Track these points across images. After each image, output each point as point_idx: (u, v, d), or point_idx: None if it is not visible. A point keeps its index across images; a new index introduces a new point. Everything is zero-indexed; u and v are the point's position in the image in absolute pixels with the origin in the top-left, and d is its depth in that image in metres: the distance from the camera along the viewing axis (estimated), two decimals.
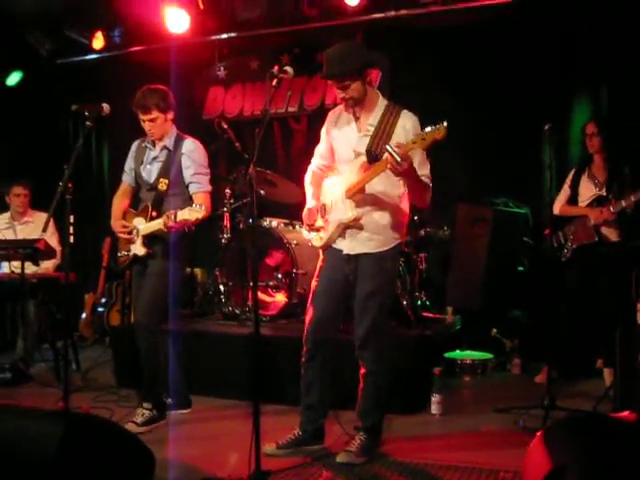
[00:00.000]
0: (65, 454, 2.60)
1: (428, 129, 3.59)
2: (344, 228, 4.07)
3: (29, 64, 8.24)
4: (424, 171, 3.93)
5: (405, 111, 4.02)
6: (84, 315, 8.02)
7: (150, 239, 4.79)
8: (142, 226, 4.82)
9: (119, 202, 5.06)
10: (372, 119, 4.04)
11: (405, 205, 4.11)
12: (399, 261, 4.26)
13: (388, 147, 3.64)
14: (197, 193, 4.84)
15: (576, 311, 5.56)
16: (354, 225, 4.03)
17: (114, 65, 8.29)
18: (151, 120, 4.77)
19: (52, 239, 6.50)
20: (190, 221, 4.49)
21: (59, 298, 6.51)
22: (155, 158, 4.92)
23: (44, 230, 4.49)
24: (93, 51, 8.12)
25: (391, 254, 4.07)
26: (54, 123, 8.79)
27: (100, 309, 7.90)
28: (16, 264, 6.02)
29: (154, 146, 4.93)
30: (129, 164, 5.09)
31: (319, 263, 4.28)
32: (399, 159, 3.58)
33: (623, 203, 5.29)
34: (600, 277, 5.42)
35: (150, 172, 4.92)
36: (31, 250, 5.87)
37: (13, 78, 8.26)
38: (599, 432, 2.50)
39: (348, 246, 4.09)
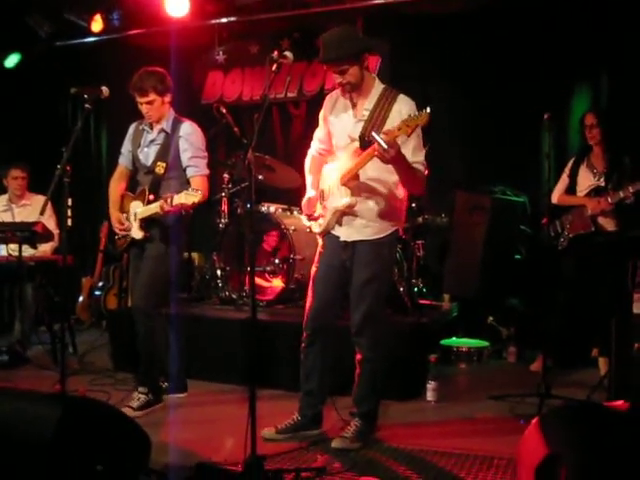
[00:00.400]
0: (62, 437, 2.61)
1: (411, 115, 3.60)
2: (340, 215, 4.07)
3: (28, 46, 8.21)
4: (418, 158, 3.90)
5: (402, 96, 3.98)
6: (81, 298, 8.03)
7: (147, 223, 4.77)
8: (139, 210, 4.80)
9: (116, 186, 5.04)
10: (367, 104, 4.02)
11: (401, 192, 4.08)
12: (396, 248, 4.26)
13: (374, 134, 3.63)
14: (194, 176, 4.83)
15: (572, 300, 5.57)
16: (349, 212, 4.03)
17: (113, 48, 8.26)
18: (148, 103, 4.75)
19: (50, 222, 6.49)
20: (187, 205, 4.47)
21: (56, 281, 6.51)
22: (152, 141, 4.90)
23: (42, 213, 4.48)
24: (92, 34, 8.09)
25: (387, 241, 4.06)
26: (53, 106, 8.75)
27: (97, 292, 7.91)
28: (14, 247, 6.02)
29: (152, 129, 4.91)
30: (126, 146, 5.07)
31: (318, 249, 4.28)
32: (385, 146, 3.55)
33: (621, 194, 5.28)
34: (596, 267, 5.43)
35: (147, 155, 4.90)
36: (29, 233, 5.87)
37: (12, 60, 8.22)
38: (593, 421, 2.51)
39: (345, 233, 4.09)
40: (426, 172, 3.99)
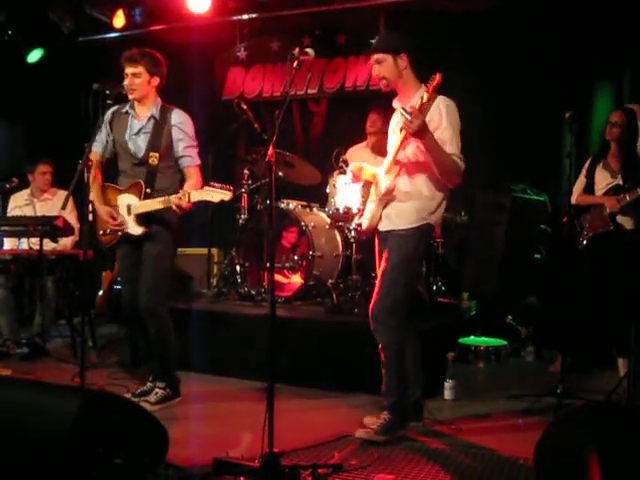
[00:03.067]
0: (80, 430, 2.63)
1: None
2: (384, 204, 4.16)
3: (50, 42, 8.25)
4: (454, 149, 3.97)
5: (442, 97, 4.05)
6: (101, 292, 8.07)
7: (147, 218, 4.62)
8: (136, 204, 4.62)
9: (94, 177, 4.75)
10: (407, 103, 4.10)
11: (435, 188, 4.10)
12: (425, 243, 4.20)
13: (400, 108, 3.88)
14: (189, 167, 4.72)
15: (591, 300, 5.54)
16: (390, 199, 4.13)
17: (135, 44, 8.18)
18: (134, 75, 4.60)
19: (71, 216, 6.54)
20: (213, 203, 4.39)
21: (77, 275, 6.54)
22: (141, 129, 4.70)
23: (63, 207, 4.49)
24: (114, 29, 8.12)
25: (414, 234, 4.08)
26: (75, 101, 8.80)
27: (117, 287, 7.93)
28: (35, 241, 6.08)
29: (137, 115, 4.73)
30: (104, 133, 4.78)
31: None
32: (409, 117, 3.75)
33: (639, 191, 5.25)
34: (615, 266, 5.39)
35: (137, 144, 4.70)
36: (50, 227, 5.92)
37: (34, 55, 8.27)
38: (612, 420, 2.51)
39: (382, 224, 4.21)
40: (462, 167, 4.01)
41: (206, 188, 4.37)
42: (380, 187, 4.20)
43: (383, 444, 3.96)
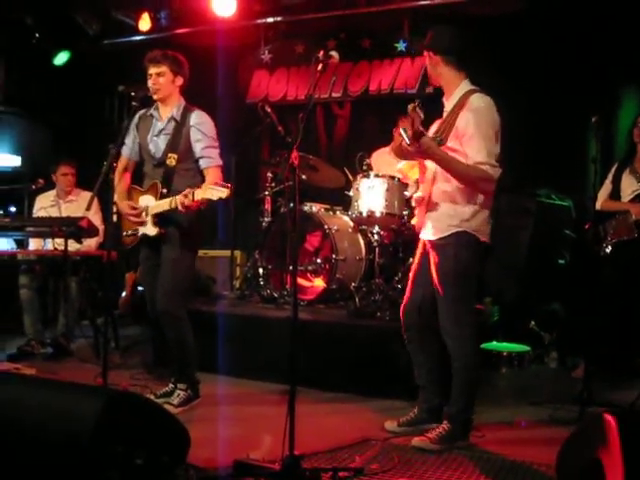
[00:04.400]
0: (102, 429, 2.64)
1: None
2: (421, 209, 4.15)
3: (76, 44, 8.32)
4: (479, 158, 3.84)
5: (476, 95, 4.01)
6: (124, 294, 8.11)
7: (162, 219, 4.60)
8: (152, 204, 4.62)
9: (120, 179, 4.79)
10: (448, 105, 4.11)
11: (468, 195, 3.99)
12: (467, 250, 4.00)
13: (401, 130, 3.79)
14: (209, 168, 4.66)
15: (614, 307, 5.49)
16: (420, 202, 4.14)
17: (160, 47, 8.27)
18: (158, 74, 4.61)
19: (95, 218, 6.58)
20: (212, 201, 4.32)
21: (100, 276, 6.58)
22: (162, 130, 4.71)
23: (88, 209, 4.51)
24: (139, 32, 8.18)
25: (451, 242, 3.98)
26: (100, 103, 8.87)
27: (140, 288, 7.97)
28: (59, 241, 6.14)
29: (160, 117, 4.75)
30: (131, 137, 4.84)
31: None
32: (407, 141, 3.74)
33: None
34: (639, 273, 5.34)
35: (157, 145, 4.71)
36: (74, 228, 5.95)
37: (61, 58, 8.35)
38: (636, 429, 2.48)
39: (423, 232, 4.17)
40: (494, 173, 3.90)
41: (207, 186, 4.33)
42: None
43: (438, 453, 3.92)
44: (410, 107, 3.80)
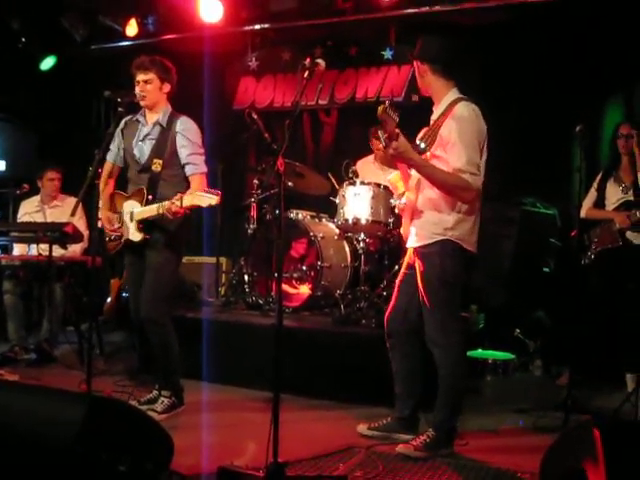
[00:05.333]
0: (86, 436, 2.63)
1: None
2: (410, 219, 4.14)
3: (63, 49, 8.30)
4: (458, 165, 3.84)
5: (461, 104, 4.01)
6: (109, 300, 8.08)
7: (147, 225, 4.57)
8: (137, 210, 4.59)
9: (105, 185, 4.81)
10: (435, 113, 4.13)
11: (451, 203, 3.98)
12: (453, 259, 3.98)
13: (379, 131, 3.79)
14: (194, 175, 4.64)
15: (599, 315, 5.51)
16: (403, 208, 4.19)
17: (147, 52, 8.29)
18: (146, 82, 4.60)
19: (80, 223, 6.56)
20: (201, 207, 4.30)
21: (85, 282, 6.57)
22: (147, 135, 4.69)
23: (73, 214, 4.50)
24: (126, 38, 8.16)
25: (435, 250, 3.98)
26: (87, 108, 8.84)
27: (125, 294, 7.94)
28: (44, 247, 6.11)
29: (146, 122, 4.73)
30: (116, 142, 4.82)
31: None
32: (382, 144, 3.77)
33: None
34: (623, 281, 5.37)
35: (142, 150, 4.69)
36: (59, 233, 5.94)
37: (47, 63, 8.33)
38: (619, 436, 2.49)
39: (409, 240, 4.18)
40: (475, 181, 3.87)
41: (196, 193, 4.30)
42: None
43: (422, 460, 3.92)
44: (380, 109, 3.71)
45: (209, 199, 4.22)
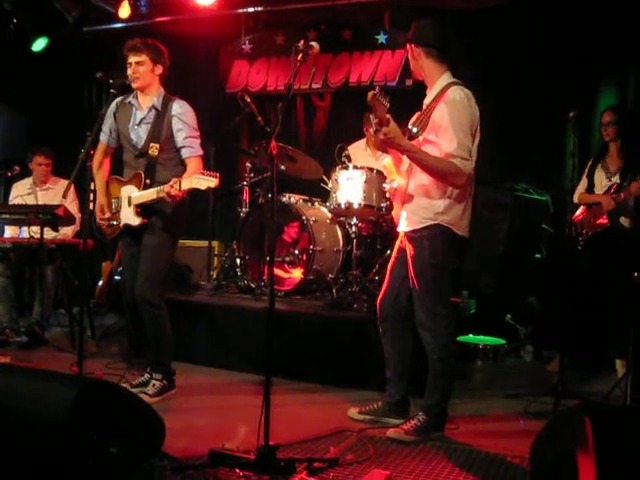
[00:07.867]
0: (77, 418, 2.63)
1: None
2: (401, 204, 4.14)
3: (55, 31, 8.24)
4: (450, 149, 3.83)
5: (453, 88, 3.98)
6: (101, 282, 8.07)
7: (145, 209, 4.60)
8: (135, 194, 4.61)
9: (99, 166, 4.84)
10: (428, 97, 4.11)
11: (441, 188, 3.96)
12: (443, 244, 3.96)
13: (370, 116, 3.76)
14: (190, 157, 4.66)
15: (589, 300, 5.53)
16: (396, 195, 4.18)
17: (139, 35, 8.24)
18: (138, 63, 4.60)
19: (72, 206, 6.54)
20: (200, 190, 4.30)
21: (77, 264, 6.55)
22: (143, 119, 4.69)
23: (64, 196, 4.49)
24: (119, 20, 8.09)
25: (428, 234, 3.98)
26: (78, 90, 8.79)
27: (117, 277, 7.93)
28: (35, 229, 6.08)
29: (140, 106, 4.72)
30: (109, 124, 4.81)
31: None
32: (373, 129, 3.75)
33: (632, 190, 5.28)
34: (613, 265, 5.40)
35: (138, 134, 4.69)
36: (51, 216, 5.91)
37: (39, 44, 8.26)
38: (608, 421, 2.50)
39: (400, 225, 4.18)
40: (466, 166, 3.84)
41: (194, 175, 4.30)
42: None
43: (413, 444, 3.93)
44: (370, 95, 3.69)
45: (208, 181, 4.24)
